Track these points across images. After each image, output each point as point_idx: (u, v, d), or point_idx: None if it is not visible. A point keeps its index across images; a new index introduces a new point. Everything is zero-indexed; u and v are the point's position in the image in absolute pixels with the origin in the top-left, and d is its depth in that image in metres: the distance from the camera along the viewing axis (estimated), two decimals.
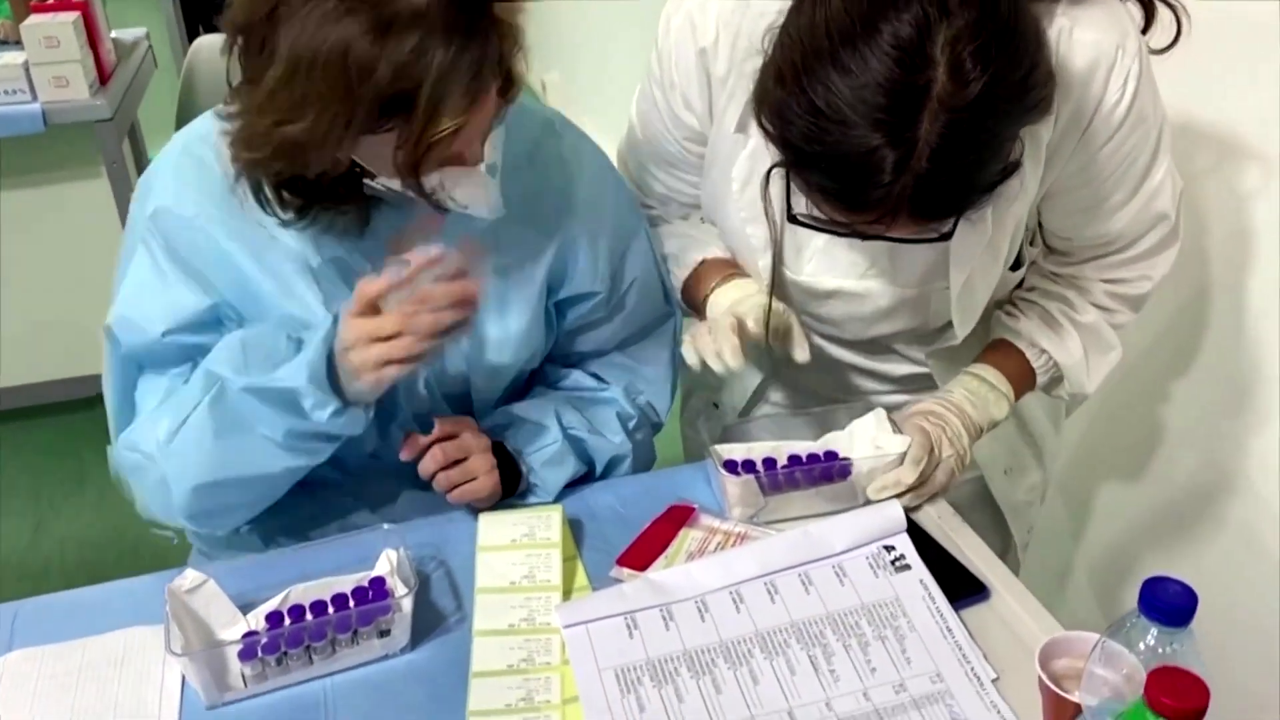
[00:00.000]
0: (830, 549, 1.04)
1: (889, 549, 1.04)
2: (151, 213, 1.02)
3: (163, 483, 1.03)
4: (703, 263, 1.22)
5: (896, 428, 1.13)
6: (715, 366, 1.07)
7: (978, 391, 1.18)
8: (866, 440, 1.13)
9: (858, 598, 0.99)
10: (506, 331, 1.12)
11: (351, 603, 0.96)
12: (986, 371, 1.20)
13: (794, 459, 1.12)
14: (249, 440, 1.00)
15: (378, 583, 0.98)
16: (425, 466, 1.07)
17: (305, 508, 1.16)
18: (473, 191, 0.95)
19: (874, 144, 0.84)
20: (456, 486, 1.08)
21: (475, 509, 1.11)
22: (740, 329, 1.08)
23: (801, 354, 1.10)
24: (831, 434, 1.16)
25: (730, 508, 1.11)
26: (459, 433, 1.09)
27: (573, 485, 1.17)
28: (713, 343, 1.07)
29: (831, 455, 1.13)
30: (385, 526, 1.03)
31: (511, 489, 1.13)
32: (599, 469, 1.19)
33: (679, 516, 1.10)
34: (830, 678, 0.92)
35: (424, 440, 1.07)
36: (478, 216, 0.99)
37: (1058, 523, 1.76)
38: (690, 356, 1.09)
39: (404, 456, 1.07)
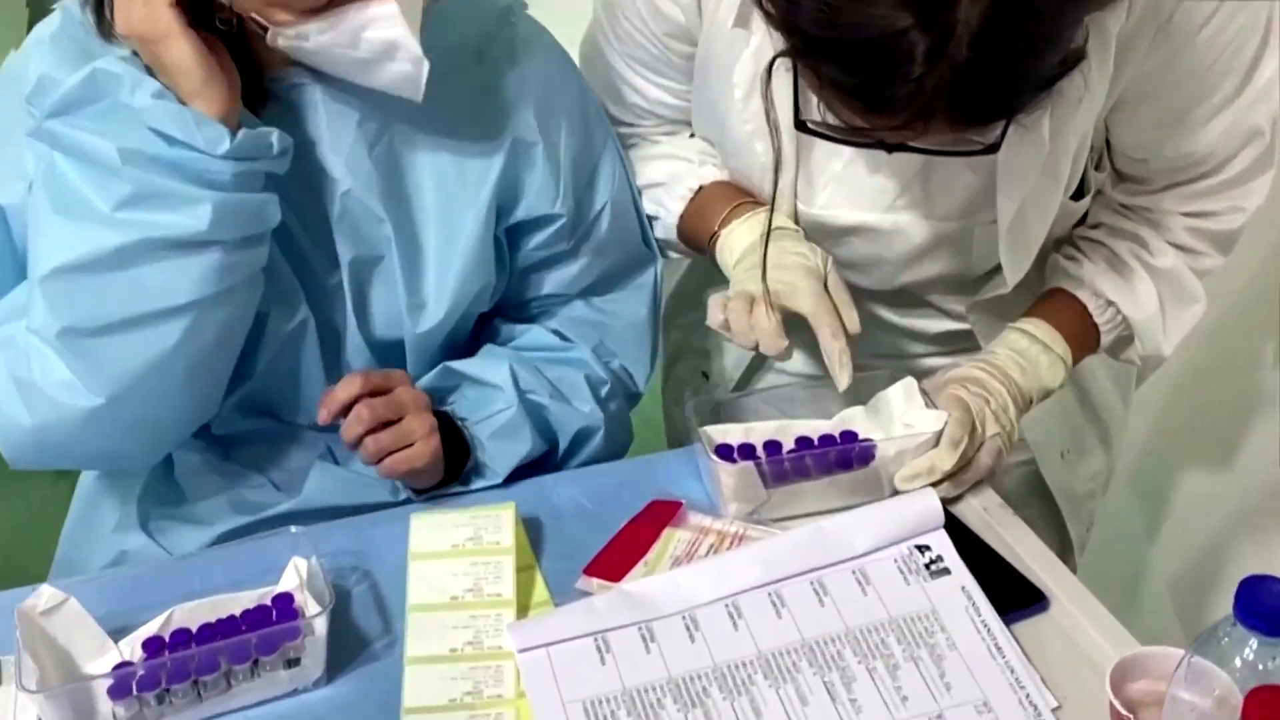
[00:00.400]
0: (850, 550, 1.03)
1: (923, 549, 1.04)
2: (32, 89, 1.00)
3: (29, 331, 1.00)
4: (700, 190, 1.22)
5: (930, 400, 1.13)
6: (754, 348, 1.09)
7: (1027, 352, 1.18)
8: (893, 416, 1.13)
9: (884, 610, 0.99)
10: (447, 264, 1.12)
11: (250, 626, 0.95)
12: (1038, 328, 1.19)
13: (803, 441, 1.12)
14: (89, 202, 0.96)
15: (283, 600, 0.97)
16: (350, 429, 1.07)
17: (196, 484, 1.16)
18: (378, 38, 0.95)
19: (902, 26, 0.83)
20: (389, 454, 1.07)
21: (412, 490, 1.12)
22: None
23: (843, 380, 1.10)
24: (850, 409, 1.15)
25: (725, 503, 1.10)
26: (390, 388, 1.09)
27: (530, 471, 1.16)
28: (746, 318, 1.09)
29: (850, 436, 1.12)
30: (292, 530, 1.02)
31: (456, 470, 1.13)
32: (563, 446, 1.19)
33: (662, 514, 1.10)
34: (851, 709, 0.92)
35: (345, 396, 1.07)
36: (395, 93, 1.00)
37: (1128, 518, 1.79)
38: (725, 332, 1.12)
39: (322, 419, 1.08)
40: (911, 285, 1.25)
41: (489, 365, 1.17)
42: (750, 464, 1.09)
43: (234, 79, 0.99)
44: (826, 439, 1.12)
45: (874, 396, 1.15)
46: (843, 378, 1.10)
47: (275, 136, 1.00)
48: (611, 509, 1.11)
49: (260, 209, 1.02)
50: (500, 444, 1.14)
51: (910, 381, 1.14)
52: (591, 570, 1.05)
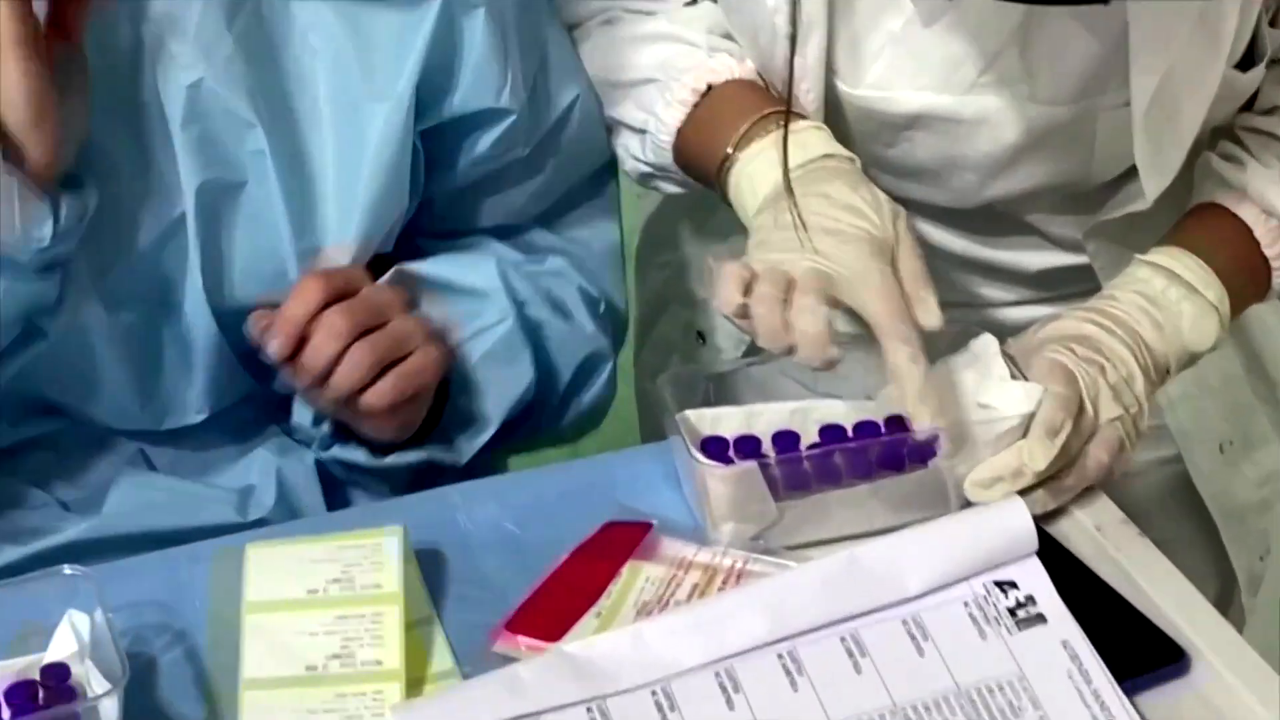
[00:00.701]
0: (899, 591, 1.02)
1: (1006, 588, 1.03)
2: None
3: None
4: (709, 91, 1.24)
5: (1018, 368, 1.13)
6: (787, 352, 1.06)
7: (1163, 298, 1.18)
8: (964, 393, 1.12)
9: (949, 677, 0.98)
10: (351, 184, 1.15)
11: (6, 711, 0.92)
12: (1180, 261, 1.19)
13: (831, 432, 1.12)
14: None
15: (55, 673, 0.95)
16: (322, 345, 1.09)
17: None
18: None
19: None
20: (387, 369, 1.10)
21: (368, 451, 1.16)
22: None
23: (926, 416, 1.05)
24: None
25: (716, 523, 1.09)
26: (356, 288, 1.12)
27: (516, 425, 1.21)
28: (779, 311, 1.06)
29: (899, 423, 1.12)
30: (66, 570, 1.00)
31: (435, 418, 1.18)
32: (564, 381, 1.24)
33: (622, 541, 1.09)
34: None
35: (304, 310, 1.09)
36: None
37: None
38: (740, 322, 1.09)
39: (276, 349, 1.10)
40: (1003, 201, 1.26)
41: (468, 264, 1.21)
42: (753, 465, 1.08)
43: (75, 102, 1.01)
44: (866, 427, 1.12)
45: (936, 363, 1.12)
46: (926, 413, 1.05)
47: (92, 201, 1.03)
48: (547, 533, 1.10)
49: (38, 299, 1.04)
50: (493, 373, 1.18)
51: (990, 341, 1.13)
52: (517, 625, 1.03)
